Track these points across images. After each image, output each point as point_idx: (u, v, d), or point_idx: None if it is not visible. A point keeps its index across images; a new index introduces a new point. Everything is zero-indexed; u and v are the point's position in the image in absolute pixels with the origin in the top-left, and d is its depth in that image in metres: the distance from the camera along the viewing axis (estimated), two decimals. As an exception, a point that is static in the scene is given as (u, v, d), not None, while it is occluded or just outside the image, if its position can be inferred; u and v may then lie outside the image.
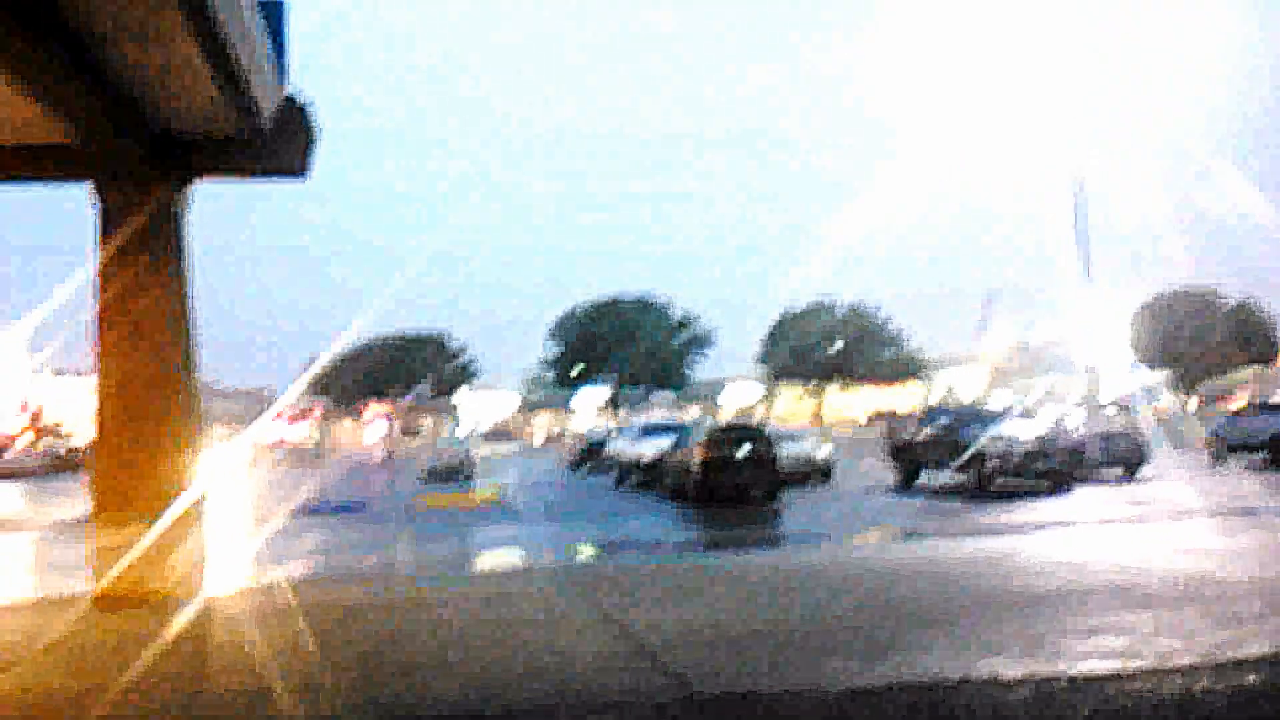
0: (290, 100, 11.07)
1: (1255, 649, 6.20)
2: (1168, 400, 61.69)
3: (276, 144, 10.97)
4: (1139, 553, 10.75)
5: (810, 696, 5.58)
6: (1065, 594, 8.30)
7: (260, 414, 55.78)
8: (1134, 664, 5.95)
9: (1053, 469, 20.95)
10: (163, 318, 10.37)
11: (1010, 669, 5.93)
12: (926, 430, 23.60)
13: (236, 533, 16.63)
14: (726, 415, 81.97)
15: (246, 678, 6.59)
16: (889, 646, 6.67)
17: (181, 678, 6.71)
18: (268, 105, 10.42)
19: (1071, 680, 5.65)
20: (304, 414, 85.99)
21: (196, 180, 10.94)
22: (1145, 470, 23.90)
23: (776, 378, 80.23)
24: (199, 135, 10.44)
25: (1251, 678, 5.60)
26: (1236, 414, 28.37)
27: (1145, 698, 5.31)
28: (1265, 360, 65.84)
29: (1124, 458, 24.05)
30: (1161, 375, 65.31)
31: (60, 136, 9.56)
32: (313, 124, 11.16)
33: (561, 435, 69.79)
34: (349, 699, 5.92)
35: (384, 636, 7.78)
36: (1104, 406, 35.88)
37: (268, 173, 11.28)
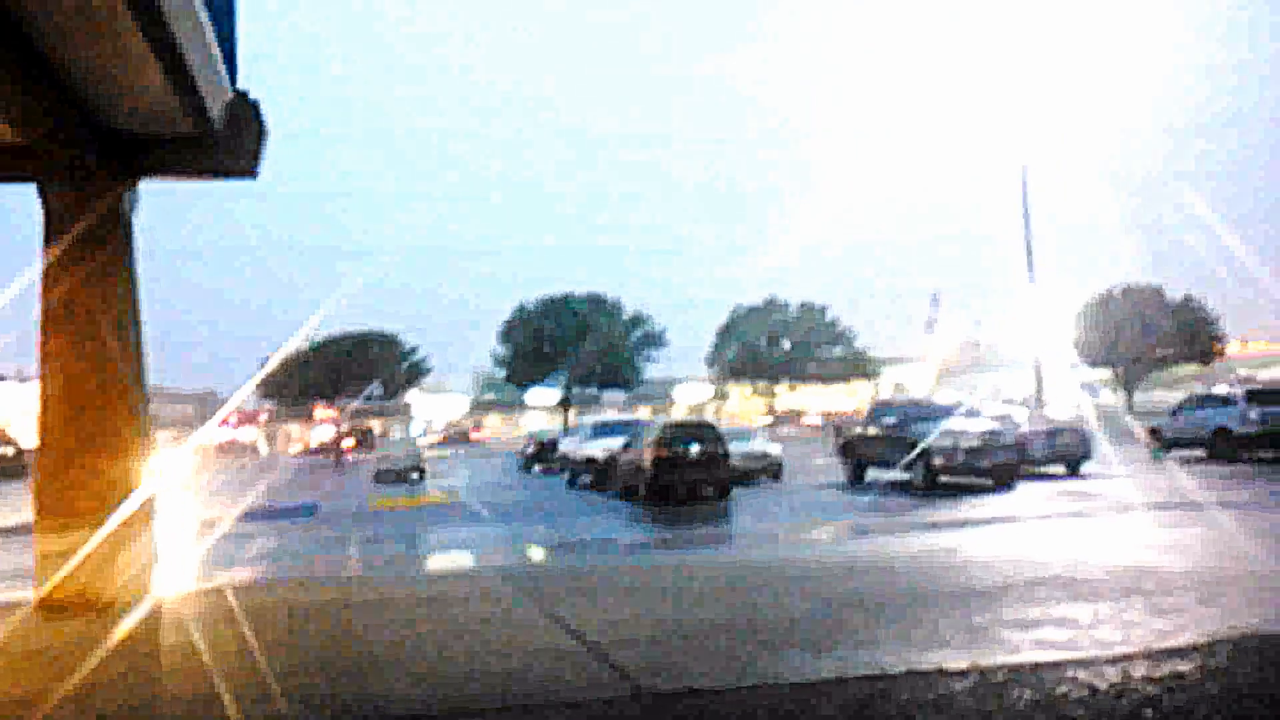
0: (240, 98, 10.98)
1: (1189, 637, 6.38)
2: (1109, 396, 62.76)
3: (226, 143, 10.87)
4: (1081, 546, 10.98)
5: (757, 690, 5.67)
6: (1008, 587, 8.46)
7: (209, 417, 55.23)
8: (1073, 654, 6.10)
9: (997, 465, 21.28)
10: (110, 320, 10.23)
11: (954, 660, 6.04)
12: (873, 428, 23.87)
13: (185, 536, 16.48)
14: (678, 414, 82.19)
15: (195, 681, 6.55)
16: (836, 640, 6.78)
17: (128, 682, 6.66)
18: (217, 103, 10.32)
19: (1013, 670, 5.78)
20: (252, 417, 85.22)
21: (145, 179, 10.80)
22: (1088, 466, 24.32)
23: (728, 377, 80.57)
24: (148, 134, 10.30)
25: (1184, 665, 5.76)
26: (1177, 409, 28.93)
27: (1083, 685, 5.44)
28: (1207, 357, 67.11)
29: (1067, 454, 24.46)
30: (1106, 372, 66.36)
31: (5, 134, 9.42)
32: (263, 122, 11.07)
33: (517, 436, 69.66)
34: (298, 701, 5.91)
35: (333, 638, 7.77)
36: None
37: (218, 172, 11.17)
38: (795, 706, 5.32)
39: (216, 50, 9.98)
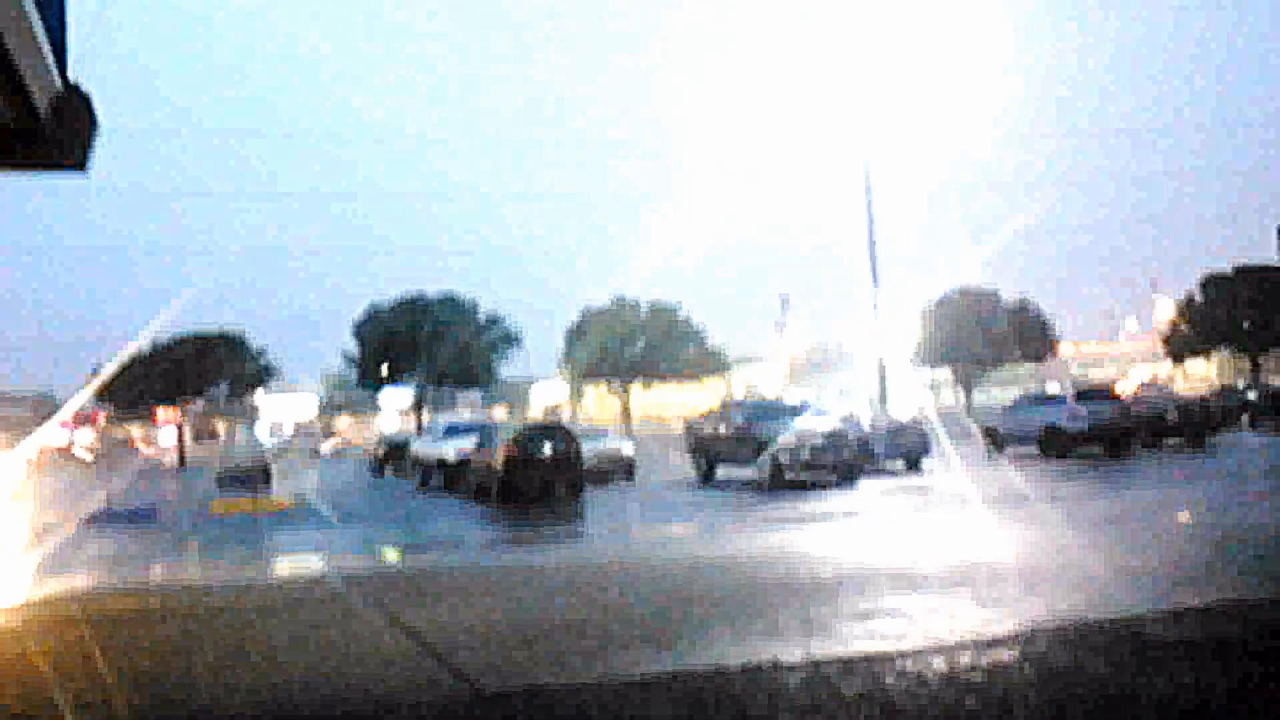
0: (70, 90, 10.52)
1: (1010, 626, 6.66)
2: (950, 396, 65.04)
3: (55, 135, 10.38)
4: (916, 540, 11.36)
5: (594, 688, 5.69)
6: (846, 581, 8.70)
7: (45, 419, 52.67)
8: (903, 645, 6.30)
9: (841, 462, 21.84)
10: None
11: (789, 653, 6.17)
12: (723, 426, 24.24)
13: (15, 543, 15.68)
14: (534, 415, 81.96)
15: (19, 693, 6.25)
16: (677, 637, 6.86)
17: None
18: (45, 95, 9.85)
19: (845, 662, 5.94)
20: (89, 419, 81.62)
21: None
22: (927, 463, 25.17)
23: (582, 377, 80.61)
24: None
25: (1007, 653, 6.01)
26: (1011, 408, 30.15)
27: (910, 676, 5.62)
28: (1040, 356, 70.13)
29: (908, 451, 25.28)
30: (946, 372, 68.73)
31: None
32: (93, 115, 10.62)
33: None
34: (130, 713, 5.69)
35: (168, 647, 7.50)
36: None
37: (47, 166, 10.68)
38: (632, 702, 5.36)
39: (43, 38, 9.53)
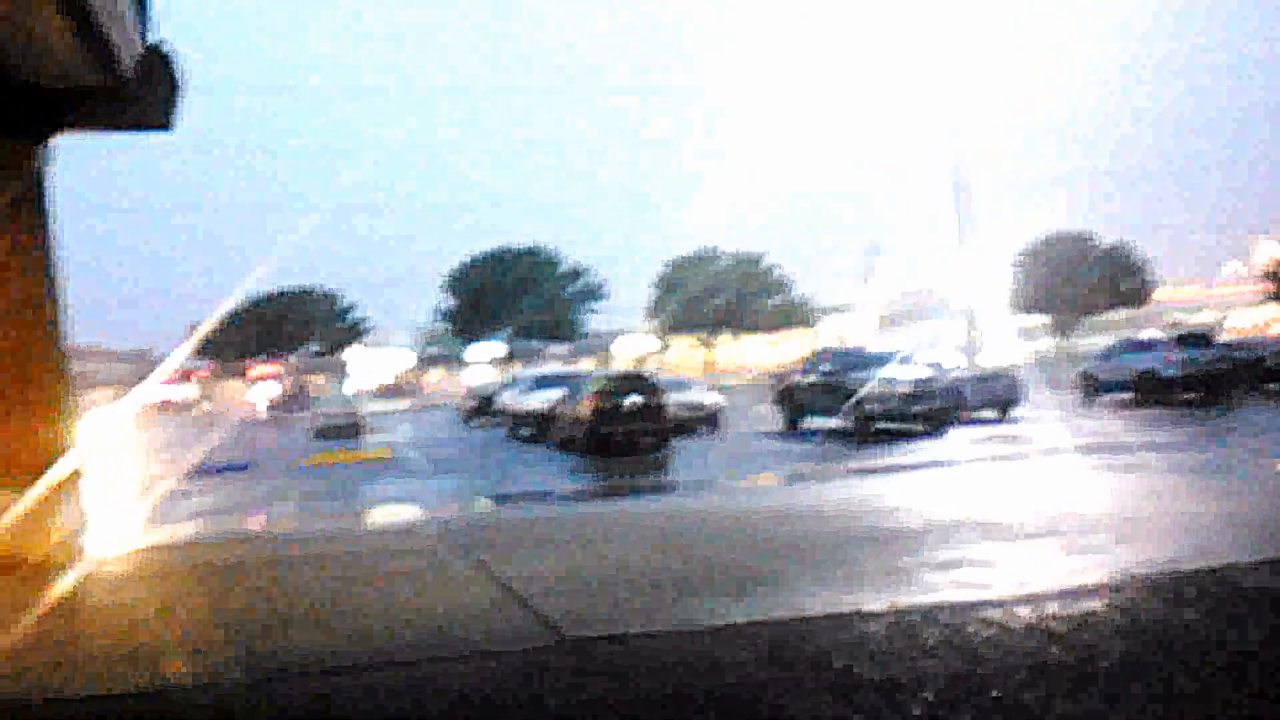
0: (154, 50, 10.69)
1: (1100, 576, 6.55)
2: (1045, 343, 63.80)
3: (140, 96, 10.57)
4: (1004, 489, 11.21)
5: (677, 635, 5.74)
6: (932, 530, 8.62)
7: (144, 376, 54.23)
8: (988, 594, 6.24)
9: (930, 411, 21.59)
10: (25, 280, 10.02)
11: (872, 602, 6.16)
12: (810, 376, 24.09)
13: (122, 495, 16.27)
14: (620, 366, 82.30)
15: (122, 637, 6.51)
16: (760, 585, 6.87)
17: (55, 639, 6.60)
18: (129, 55, 10.04)
19: (928, 610, 5.90)
20: (190, 374, 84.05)
21: (56, 135, 10.53)
22: (1018, 410, 24.76)
23: (668, 328, 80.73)
24: (58, 88, 10.00)
25: (1094, 603, 5.92)
26: (1106, 354, 29.47)
27: (995, 624, 5.57)
28: (1136, 302, 68.41)
29: (998, 399, 24.88)
30: (1040, 319, 67.43)
31: None
32: (178, 75, 10.79)
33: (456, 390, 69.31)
34: (226, 654, 5.90)
35: (264, 593, 7.73)
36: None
37: (132, 126, 10.89)
38: (712, 649, 5.40)
39: (127, 3, 9.72)
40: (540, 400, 27.03)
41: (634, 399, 21.96)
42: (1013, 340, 50.63)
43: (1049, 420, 22.45)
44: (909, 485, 12.35)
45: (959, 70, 38.72)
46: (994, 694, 4.47)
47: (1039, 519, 8.96)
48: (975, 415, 24.15)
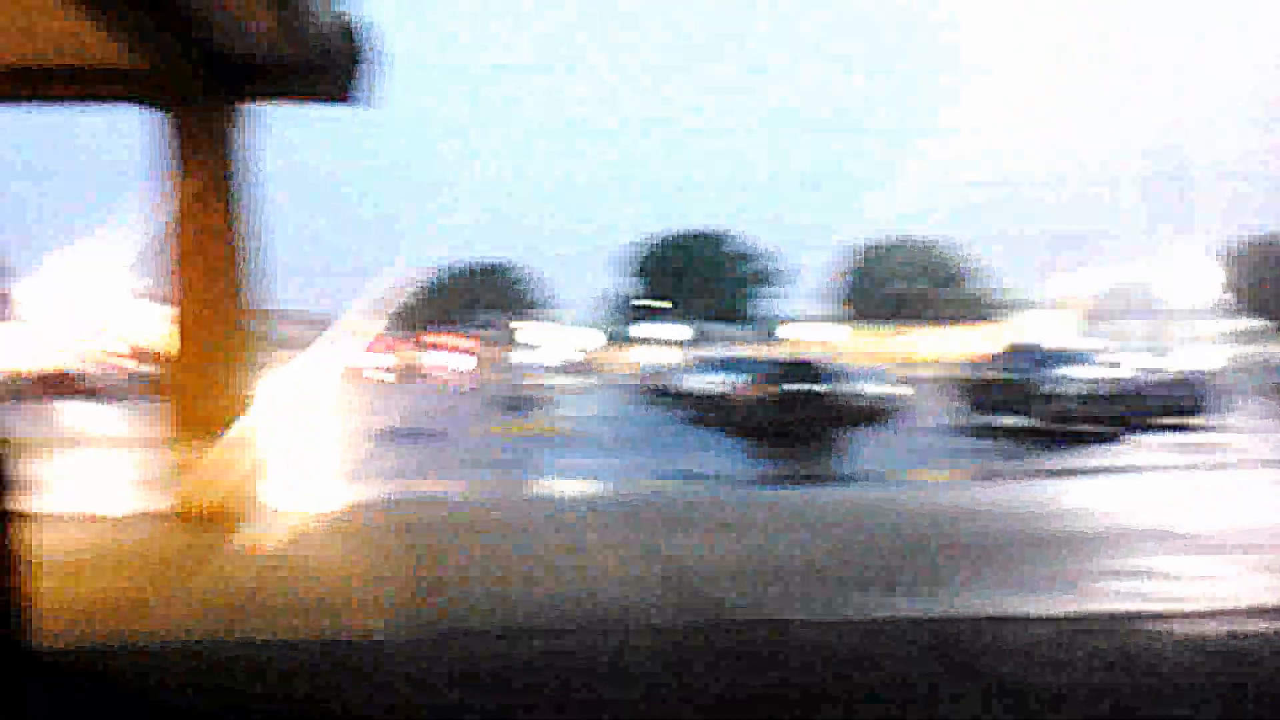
0: (349, 25, 10.91)
1: (1286, 596, 6.26)
2: (1266, 348, 60.13)
3: (335, 70, 10.77)
4: (1192, 499, 10.72)
5: (833, 625, 5.79)
6: (1109, 537, 8.37)
7: (319, 340, 56.55)
8: (1158, 606, 6.06)
9: (1123, 414, 20.73)
10: (225, 243, 10.46)
11: (1038, 607, 6.07)
12: (999, 372, 23.46)
13: (318, 454, 17.19)
14: (801, 352, 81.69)
15: (301, 587, 6.98)
16: (924, 582, 6.84)
17: (240, 587, 7.11)
18: (325, 29, 10.23)
19: (1097, 619, 5.78)
20: (390, 343, 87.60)
21: (253, 104, 10.86)
22: (1217, 418, 23.48)
23: (856, 316, 79.69)
24: (254, 58, 10.31)
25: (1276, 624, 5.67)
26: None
27: (1169, 639, 5.41)
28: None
29: (1194, 404, 23.63)
30: (1259, 322, 63.62)
31: (114, 57, 9.57)
32: (372, 50, 11.00)
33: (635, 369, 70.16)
34: (391, 611, 6.26)
35: (434, 557, 8.10)
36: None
37: (326, 99, 11.18)
38: (868, 642, 5.43)
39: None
40: (719, 383, 27.13)
41: (812, 386, 21.86)
42: (1219, 343, 47.96)
43: (1251, 429, 21.25)
44: (1093, 489, 11.90)
45: (1182, 56, 36.78)
46: (1177, 713, 4.36)
47: (1228, 532, 8.57)
48: (1170, 421, 23.02)
